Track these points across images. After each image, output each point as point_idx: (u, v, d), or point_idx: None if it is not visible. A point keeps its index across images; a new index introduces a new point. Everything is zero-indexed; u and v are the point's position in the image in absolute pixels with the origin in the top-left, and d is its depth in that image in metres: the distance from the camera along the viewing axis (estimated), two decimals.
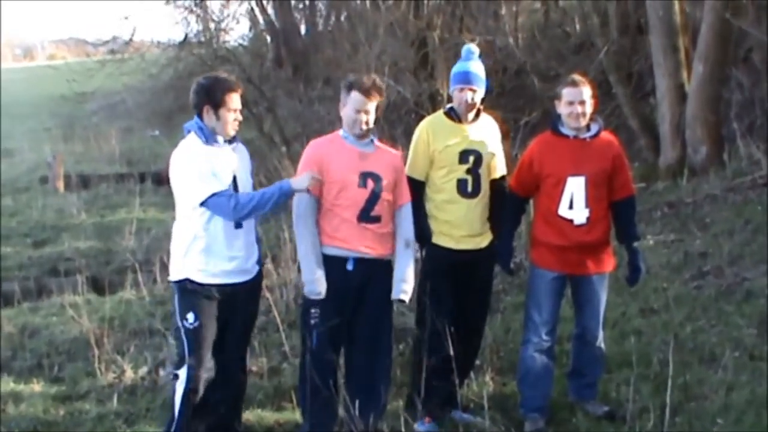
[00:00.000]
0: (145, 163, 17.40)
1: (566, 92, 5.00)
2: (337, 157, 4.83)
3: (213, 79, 4.76)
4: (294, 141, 14.36)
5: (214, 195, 4.55)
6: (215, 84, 4.70)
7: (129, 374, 6.28)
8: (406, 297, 4.90)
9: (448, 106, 5.21)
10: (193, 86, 4.78)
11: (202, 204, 4.58)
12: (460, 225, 5.12)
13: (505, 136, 5.46)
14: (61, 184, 15.32)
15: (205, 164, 4.59)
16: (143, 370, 6.36)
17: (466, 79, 5.06)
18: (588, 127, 5.06)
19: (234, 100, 4.67)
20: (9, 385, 6.33)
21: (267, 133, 15.37)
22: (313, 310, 4.79)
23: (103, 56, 19.79)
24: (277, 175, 10.63)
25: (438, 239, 5.14)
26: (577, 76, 5.08)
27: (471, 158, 5.08)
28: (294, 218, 4.84)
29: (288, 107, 16.91)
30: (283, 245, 8.01)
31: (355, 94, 4.81)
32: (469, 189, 5.10)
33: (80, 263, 9.68)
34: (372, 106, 4.82)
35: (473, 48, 5.14)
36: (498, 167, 5.27)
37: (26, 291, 8.68)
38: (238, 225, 4.72)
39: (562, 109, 5.03)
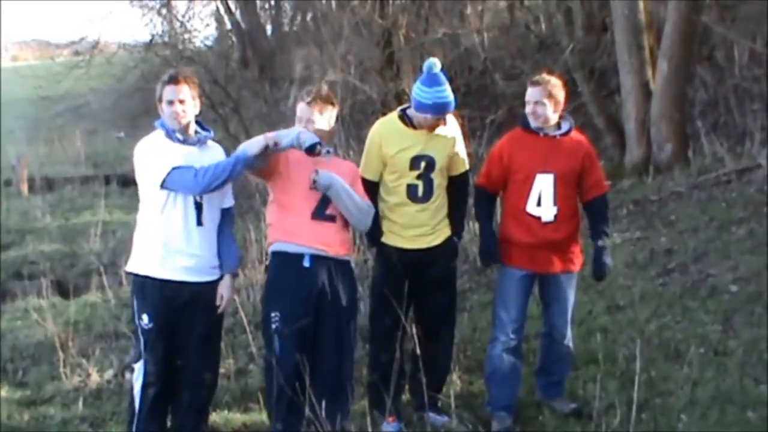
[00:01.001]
0: (111, 166, 17.27)
1: (527, 91, 5.02)
2: (294, 161, 4.80)
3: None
4: None
5: (174, 169, 4.53)
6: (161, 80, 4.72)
7: (94, 378, 6.23)
8: (319, 177, 4.65)
9: (402, 108, 5.14)
10: None
11: (164, 184, 4.54)
12: (411, 226, 5.08)
13: (465, 135, 5.39)
14: (25, 187, 15.17)
15: (167, 154, 4.59)
16: (109, 374, 6.32)
17: (442, 110, 4.96)
18: (559, 125, 5.08)
19: (168, 91, 4.64)
20: None
21: (233, 134, 15.29)
22: (273, 314, 4.75)
23: (68, 58, 19.60)
24: (243, 175, 10.55)
25: (388, 238, 5.11)
26: (541, 76, 5.06)
27: (422, 164, 5.02)
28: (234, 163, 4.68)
29: (254, 108, 16.84)
30: (249, 246, 7.96)
31: (299, 105, 4.85)
32: (420, 194, 5.06)
33: (45, 266, 9.63)
34: (313, 114, 4.78)
35: (437, 64, 4.92)
36: (459, 165, 5.22)
37: None
38: (199, 223, 4.67)
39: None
